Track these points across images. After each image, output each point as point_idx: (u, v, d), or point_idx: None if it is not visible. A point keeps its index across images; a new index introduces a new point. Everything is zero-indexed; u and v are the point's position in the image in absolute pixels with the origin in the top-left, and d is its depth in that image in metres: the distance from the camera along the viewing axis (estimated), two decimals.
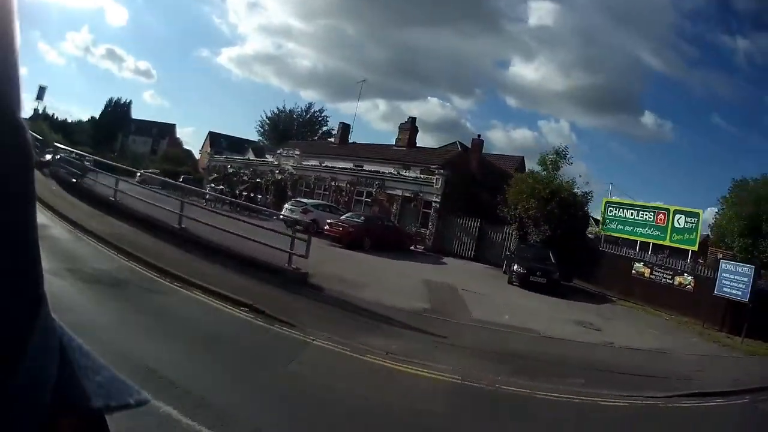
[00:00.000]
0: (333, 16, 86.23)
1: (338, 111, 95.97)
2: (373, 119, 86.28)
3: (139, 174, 19.56)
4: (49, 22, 75.75)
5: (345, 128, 32.93)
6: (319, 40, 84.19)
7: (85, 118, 66.73)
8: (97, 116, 63.12)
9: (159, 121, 68.01)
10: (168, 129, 67.52)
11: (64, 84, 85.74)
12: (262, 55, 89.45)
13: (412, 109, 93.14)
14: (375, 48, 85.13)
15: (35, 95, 29.59)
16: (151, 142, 66.50)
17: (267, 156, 32.41)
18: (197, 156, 62.50)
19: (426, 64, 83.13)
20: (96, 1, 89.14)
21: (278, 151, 29.80)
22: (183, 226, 10.51)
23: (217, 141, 60.85)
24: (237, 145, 61.44)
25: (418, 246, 20.81)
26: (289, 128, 47.47)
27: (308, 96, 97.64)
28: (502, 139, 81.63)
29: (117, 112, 63.60)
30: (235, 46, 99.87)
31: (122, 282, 7.08)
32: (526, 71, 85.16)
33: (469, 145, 26.21)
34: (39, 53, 74.54)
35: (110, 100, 65.04)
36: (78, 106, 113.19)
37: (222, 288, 7.40)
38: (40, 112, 43.00)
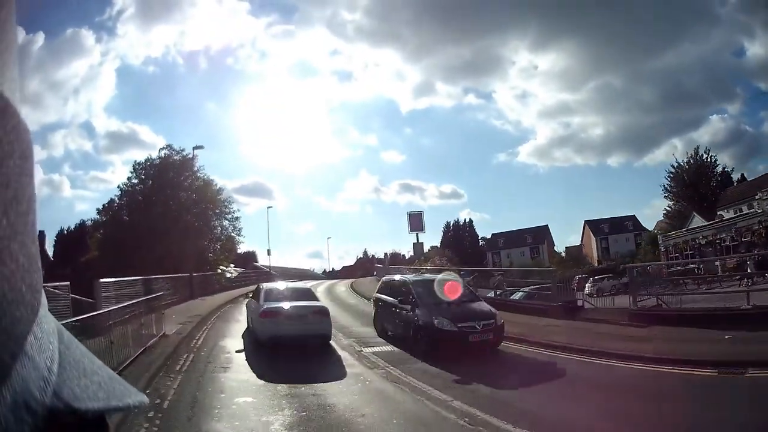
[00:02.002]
0: (594, 77, 79.82)
1: (645, 166, 75.61)
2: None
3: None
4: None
5: None
6: (596, 103, 77.97)
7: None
8: (438, 244, 57.90)
9: (530, 227, 63.22)
10: (542, 232, 62.39)
11: (376, 231, 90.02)
12: (555, 140, 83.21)
13: (703, 135, 73.68)
14: (644, 88, 73.03)
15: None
16: (529, 251, 62.98)
17: (720, 213, 31.56)
18: (561, 251, 61.89)
19: (690, 83, 67.98)
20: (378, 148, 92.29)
21: (756, 197, 28.00)
22: None
23: (596, 227, 63.16)
24: (618, 225, 61.77)
25: None
26: (698, 180, 42.49)
27: (614, 162, 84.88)
28: None
29: (459, 233, 62.45)
30: (528, 142, 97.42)
31: None
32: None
33: None
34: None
35: (447, 224, 63.44)
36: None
37: None
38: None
